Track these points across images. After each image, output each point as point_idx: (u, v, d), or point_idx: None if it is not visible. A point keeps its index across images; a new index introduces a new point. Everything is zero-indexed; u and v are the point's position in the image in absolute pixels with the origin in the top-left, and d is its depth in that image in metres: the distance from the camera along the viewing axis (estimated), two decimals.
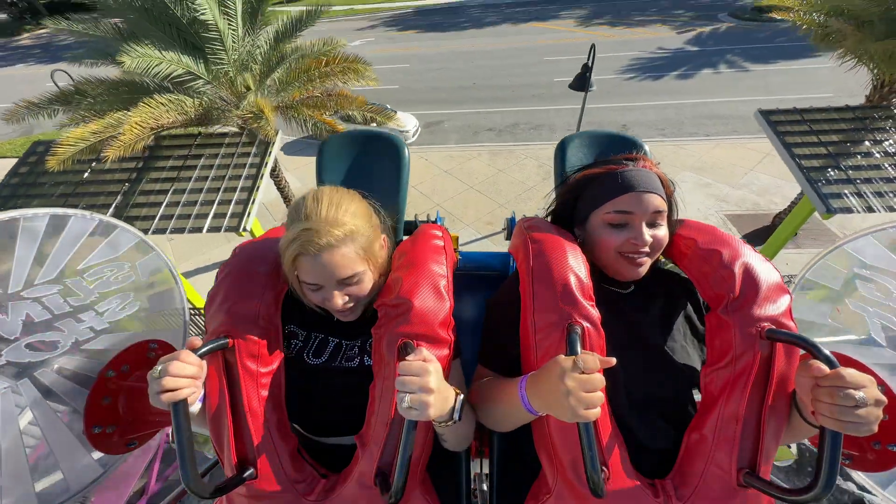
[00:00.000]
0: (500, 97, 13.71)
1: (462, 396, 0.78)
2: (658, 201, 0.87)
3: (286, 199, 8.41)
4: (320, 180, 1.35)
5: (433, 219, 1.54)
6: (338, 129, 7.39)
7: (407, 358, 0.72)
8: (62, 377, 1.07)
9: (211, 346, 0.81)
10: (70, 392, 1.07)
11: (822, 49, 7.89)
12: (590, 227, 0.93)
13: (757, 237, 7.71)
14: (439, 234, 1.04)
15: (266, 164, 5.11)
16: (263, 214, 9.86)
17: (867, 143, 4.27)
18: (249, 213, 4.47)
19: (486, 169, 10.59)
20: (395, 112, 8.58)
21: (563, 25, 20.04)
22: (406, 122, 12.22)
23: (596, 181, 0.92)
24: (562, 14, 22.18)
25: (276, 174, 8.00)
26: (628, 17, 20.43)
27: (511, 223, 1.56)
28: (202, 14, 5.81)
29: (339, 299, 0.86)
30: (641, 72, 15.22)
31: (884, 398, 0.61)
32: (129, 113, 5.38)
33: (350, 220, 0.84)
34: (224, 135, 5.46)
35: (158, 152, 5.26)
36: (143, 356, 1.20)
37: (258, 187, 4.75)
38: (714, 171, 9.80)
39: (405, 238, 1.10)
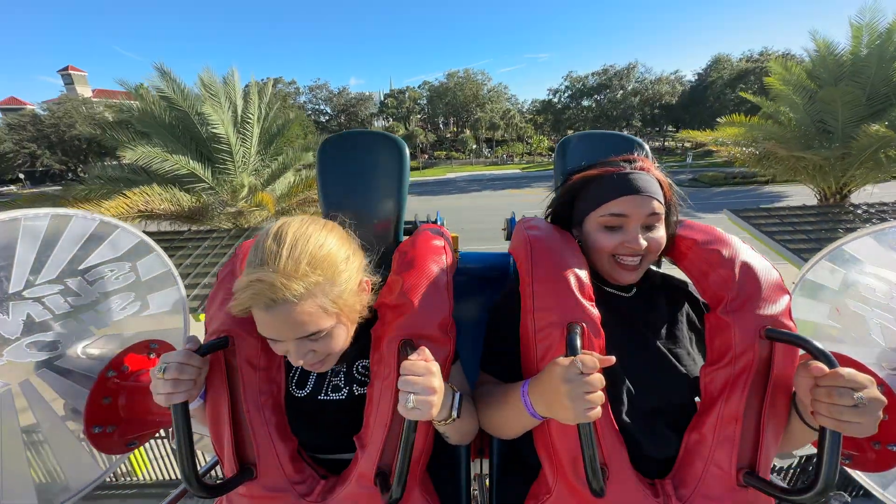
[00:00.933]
0: (486, 237, 15.00)
1: (459, 393, 0.78)
2: (654, 204, 0.86)
3: None
4: (321, 180, 1.35)
5: (433, 219, 1.54)
6: None
7: (410, 358, 0.72)
8: (62, 377, 1.07)
9: (211, 346, 0.81)
10: (70, 392, 1.07)
11: (761, 171, 9.58)
12: (586, 229, 0.93)
13: None
14: (439, 234, 1.04)
15: None
16: None
17: (840, 230, 4.73)
18: None
19: None
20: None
21: (535, 191, 24.87)
22: None
23: (593, 183, 0.92)
24: (533, 185, 28.21)
25: None
26: None
27: (511, 223, 1.55)
28: (215, 128, 6.73)
29: (300, 358, 0.75)
30: None
31: (883, 399, 0.61)
32: (122, 195, 5.80)
33: (314, 269, 0.71)
34: (212, 230, 5.52)
35: None
36: (143, 356, 1.20)
37: None
38: None
39: (405, 238, 1.10)
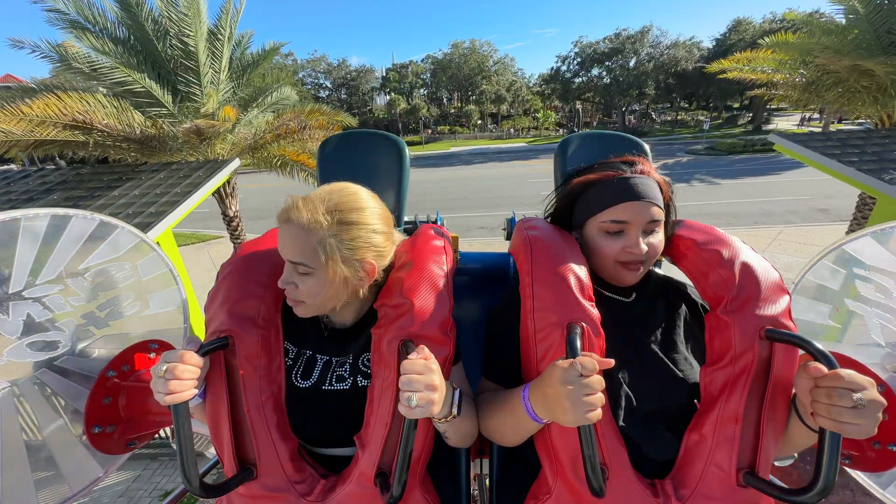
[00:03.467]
0: (491, 205, 14.55)
1: (458, 390, 0.78)
2: (654, 211, 0.86)
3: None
4: (320, 181, 1.35)
5: (433, 219, 1.54)
6: (308, 163, 6.96)
7: (409, 356, 0.72)
8: (62, 377, 1.07)
9: (211, 345, 0.81)
10: (70, 392, 1.07)
11: (815, 99, 8.03)
12: (587, 234, 0.92)
13: None
14: (439, 234, 1.04)
15: (207, 182, 4.02)
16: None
17: None
18: (159, 222, 3.50)
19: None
20: None
21: (543, 162, 23.71)
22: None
23: (593, 188, 0.91)
24: (540, 157, 26.73)
25: (235, 229, 7.53)
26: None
27: (511, 223, 1.56)
28: (184, 36, 5.47)
29: (284, 281, 0.84)
30: None
31: (883, 400, 0.60)
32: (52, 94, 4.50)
33: (328, 215, 0.80)
34: (171, 163, 4.59)
35: (84, 177, 4.29)
36: (143, 356, 1.20)
37: (184, 202, 3.76)
38: None
39: (405, 238, 1.10)
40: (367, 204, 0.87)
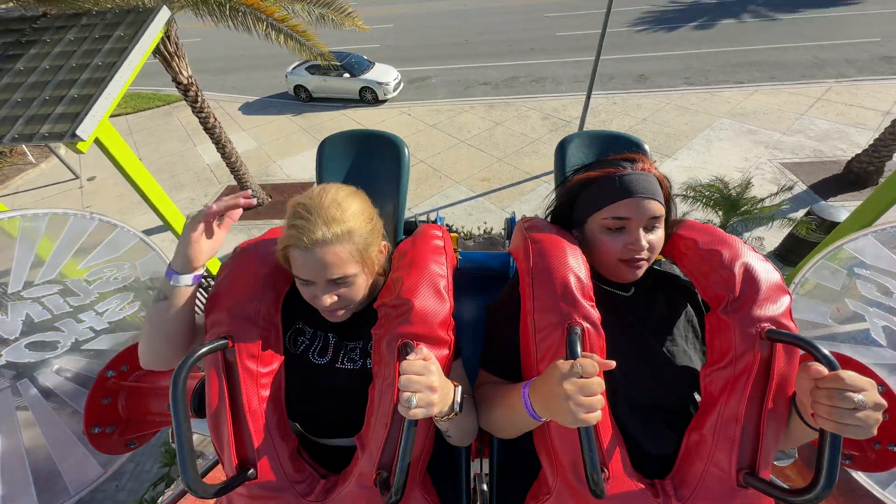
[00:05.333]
0: (496, 52, 12.27)
1: (460, 388, 0.78)
2: (655, 206, 0.86)
3: (227, 158, 6.88)
4: (320, 180, 1.35)
5: (433, 219, 1.54)
6: (266, 9, 5.17)
7: (408, 357, 0.72)
8: (62, 377, 1.07)
9: (211, 346, 0.81)
10: (70, 392, 1.07)
11: None
12: (588, 231, 0.93)
13: (828, 187, 6.57)
14: (439, 234, 1.04)
15: (134, 46, 3.25)
16: (206, 177, 8.39)
17: None
18: (87, 114, 2.86)
19: (480, 122, 9.24)
20: (352, 11, 6.01)
21: None
22: (385, 74, 10.43)
23: (594, 185, 0.91)
24: None
25: (212, 129, 6.43)
26: None
27: (511, 223, 1.56)
28: None
29: (328, 299, 0.84)
30: (654, 24, 14.01)
31: (883, 402, 0.60)
32: None
33: (350, 219, 0.83)
34: (78, 15, 3.58)
35: None
36: None
37: (112, 78, 3.04)
38: (757, 117, 8.49)
39: (405, 238, 1.10)
40: (359, 196, 0.90)
